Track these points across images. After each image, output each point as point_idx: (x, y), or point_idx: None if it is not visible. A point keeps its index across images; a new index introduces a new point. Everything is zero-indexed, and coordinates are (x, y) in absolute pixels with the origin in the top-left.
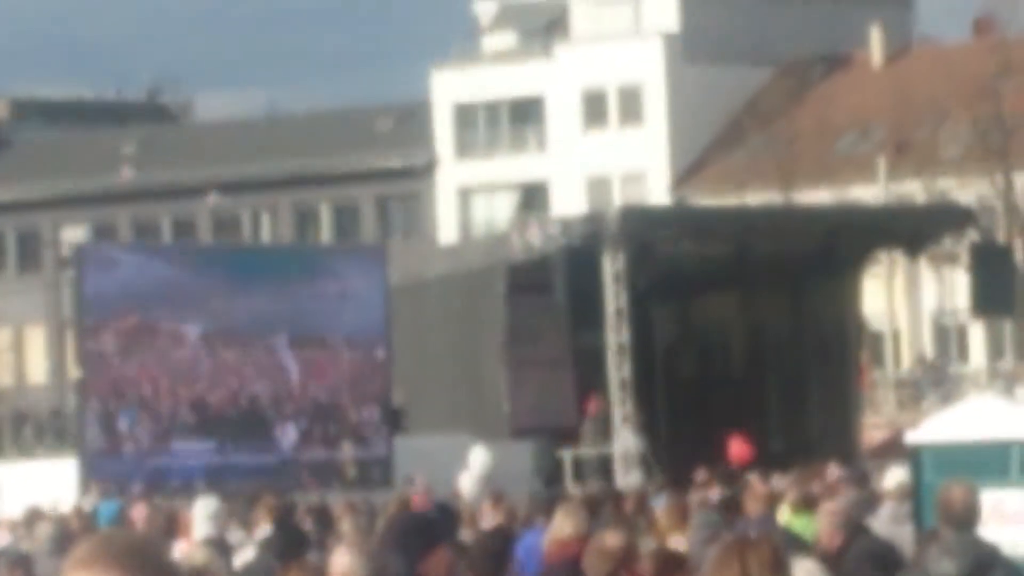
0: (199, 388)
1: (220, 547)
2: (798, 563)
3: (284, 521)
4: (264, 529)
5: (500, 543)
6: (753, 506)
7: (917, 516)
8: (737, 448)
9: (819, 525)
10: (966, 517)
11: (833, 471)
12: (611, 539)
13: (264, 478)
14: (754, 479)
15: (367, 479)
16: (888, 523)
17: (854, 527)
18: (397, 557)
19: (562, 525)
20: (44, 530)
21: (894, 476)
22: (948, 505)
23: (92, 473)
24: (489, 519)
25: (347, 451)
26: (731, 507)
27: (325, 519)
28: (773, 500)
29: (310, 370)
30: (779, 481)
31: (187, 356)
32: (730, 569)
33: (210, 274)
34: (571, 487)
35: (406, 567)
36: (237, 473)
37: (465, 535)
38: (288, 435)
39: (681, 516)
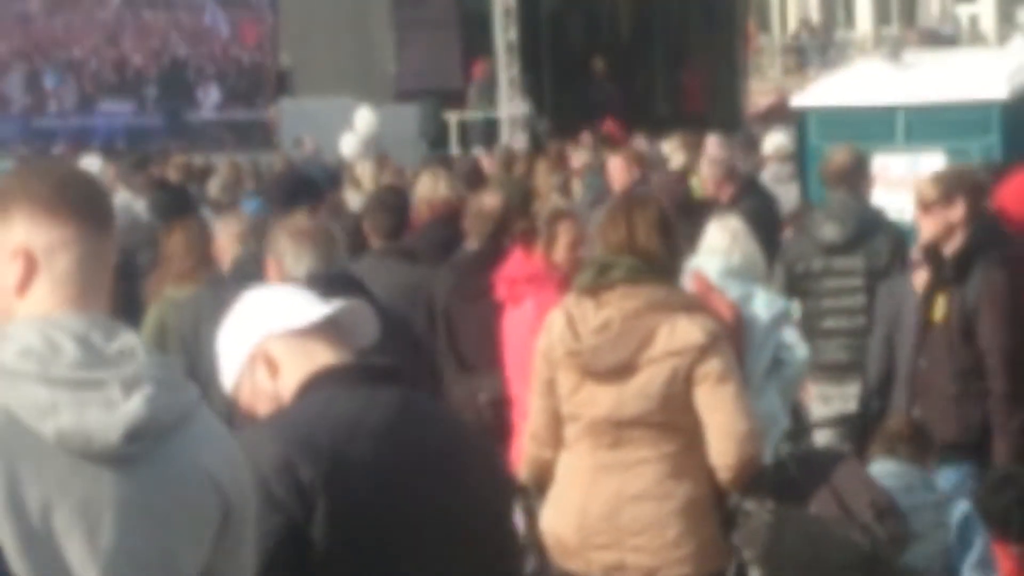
0: (122, 49)
1: None
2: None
3: (166, 182)
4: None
5: (397, 198)
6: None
7: (803, 182)
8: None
9: (705, 178)
10: (849, 181)
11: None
12: (489, 199)
13: (185, 139)
14: (637, 142)
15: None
16: (771, 183)
17: (744, 180)
18: (282, 214)
19: (429, 186)
20: None
21: (773, 139)
22: (830, 169)
23: (15, 134)
24: (374, 180)
25: (274, 112)
26: None
27: (205, 178)
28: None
29: (234, 31)
30: (665, 145)
31: (111, 17)
32: (617, 230)
33: None
34: (456, 149)
35: None
36: (158, 133)
37: (350, 197)
38: (210, 96)
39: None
